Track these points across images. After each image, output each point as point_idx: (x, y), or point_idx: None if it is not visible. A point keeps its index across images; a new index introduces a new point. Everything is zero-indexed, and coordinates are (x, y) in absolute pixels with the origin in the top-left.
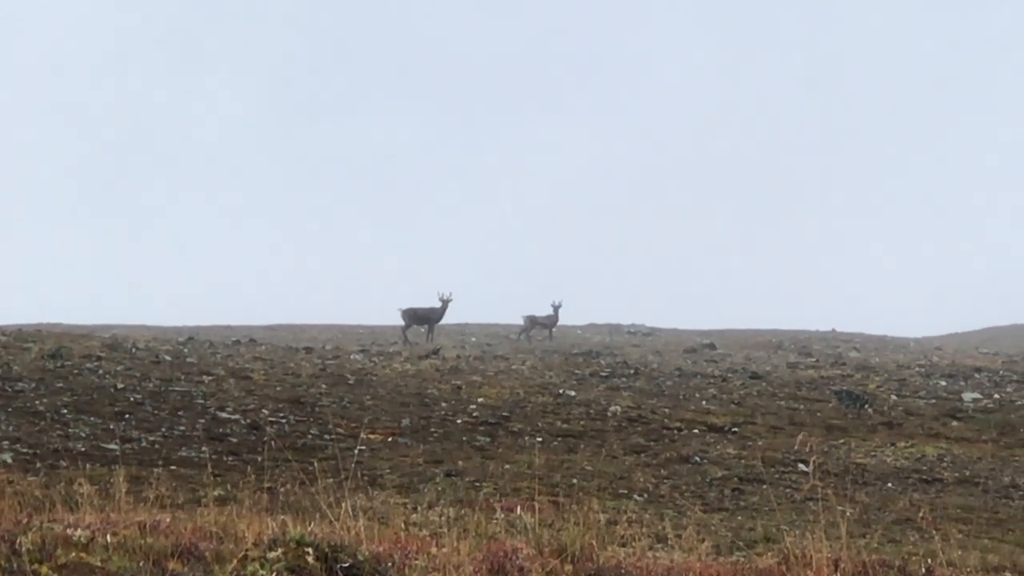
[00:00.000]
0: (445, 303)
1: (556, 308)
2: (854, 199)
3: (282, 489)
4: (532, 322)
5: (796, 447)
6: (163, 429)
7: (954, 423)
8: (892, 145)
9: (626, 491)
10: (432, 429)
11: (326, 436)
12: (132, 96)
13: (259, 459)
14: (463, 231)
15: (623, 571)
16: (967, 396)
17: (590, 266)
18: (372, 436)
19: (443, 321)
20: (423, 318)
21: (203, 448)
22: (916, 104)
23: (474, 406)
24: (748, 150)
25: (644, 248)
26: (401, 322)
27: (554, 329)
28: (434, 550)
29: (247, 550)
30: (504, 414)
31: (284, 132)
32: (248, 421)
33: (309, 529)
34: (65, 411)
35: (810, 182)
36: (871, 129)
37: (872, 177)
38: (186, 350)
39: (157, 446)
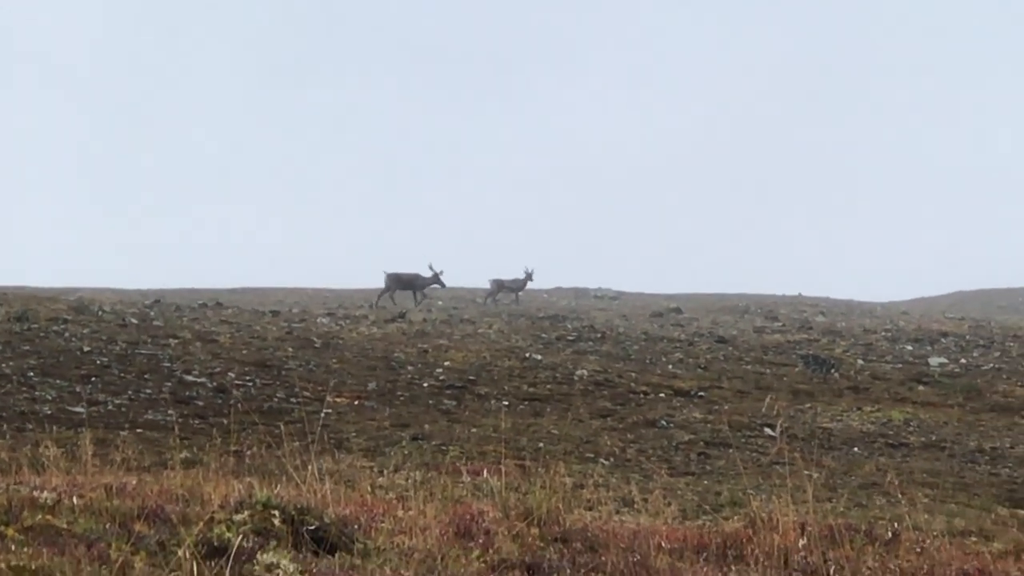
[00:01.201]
0: (435, 274)
1: (528, 274)
2: (821, 165)
3: (248, 452)
4: (499, 286)
5: (764, 410)
6: (129, 392)
7: (920, 388)
8: (862, 112)
9: (592, 455)
10: (398, 393)
11: (292, 399)
12: (107, 57)
13: (225, 422)
14: (432, 196)
15: (589, 534)
16: (933, 361)
17: (557, 229)
18: (338, 399)
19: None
20: (407, 283)
21: (169, 411)
22: (893, 74)
23: (440, 370)
24: (721, 118)
25: (611, 212)
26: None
27: (521, 293)
28: (400, 513)
29: (213, 512)
30: (470, 378)
31: (260, 95)
32: (214, 384)
33: (276, 492)
34: (31, 374)
35: (777, 148)
36: (842, 97)
37: (840, 143)
38: (152, 313)
39: (123, 409)
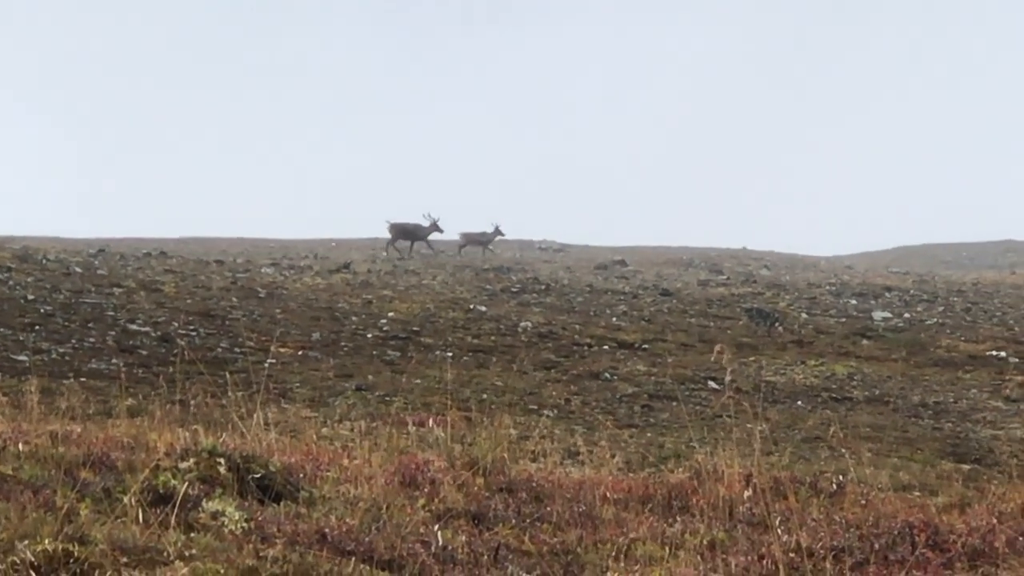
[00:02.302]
0: (433, 223)
1: (496, 228)
2: (768, 120)
3: (193, 401)
4: (467, 239)
5: (714, 359)
6: (73, 341)
7: (864, 342)
8: (808, 68)
9: (537, 406)
10: (342, 343)
11: (237, 349)
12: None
13: (170, 371)
14: (375, 146)
15: (535, 484)
16: (877, 315)
17: (502, 181)
18: (283, 349)
19: (356, 236)
20: (410, 233)
21: (114, 360)
22: (838, 35)
23: (384, 320)
24: (669, 74)
25: (557, 164)
26: (388, 235)
27: (490, 246)
28: (346, 462)
29: (159, 460)
30: (415, 329)
31: (206, 41)
32: (159, 333)
33: (221, 440)
34: None
35: (724, 104)
36: (790, 54)
37: (786, 99)
38: (97, 262)
39: (68, 358)
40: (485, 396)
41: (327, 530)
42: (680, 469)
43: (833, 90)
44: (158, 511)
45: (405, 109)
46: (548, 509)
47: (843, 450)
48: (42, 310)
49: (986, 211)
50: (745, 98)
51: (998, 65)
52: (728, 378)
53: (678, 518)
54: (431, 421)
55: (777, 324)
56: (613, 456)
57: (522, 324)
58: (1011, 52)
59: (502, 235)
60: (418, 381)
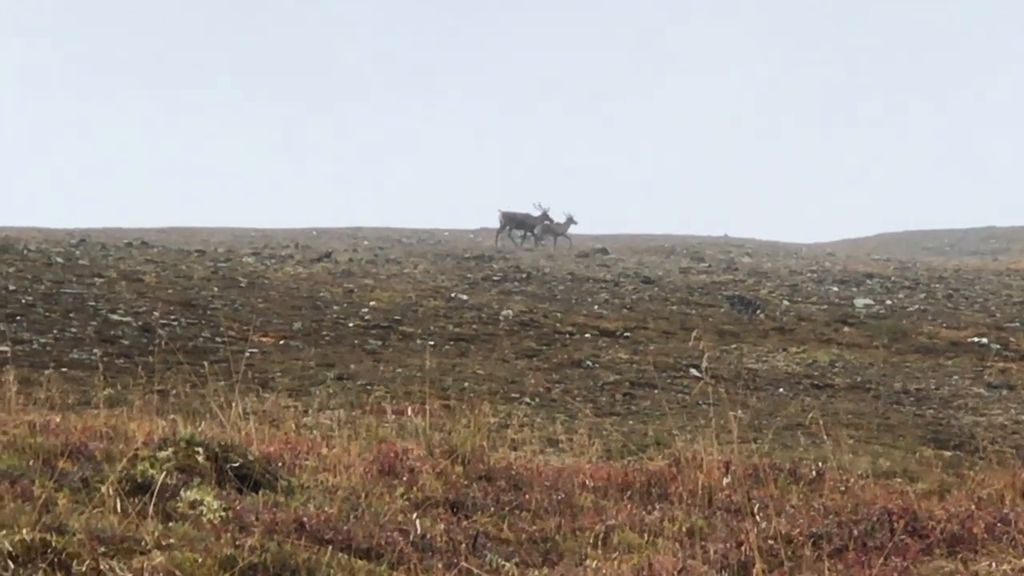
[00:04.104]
0: (543, 213)
1: (569, 217)
2: (747, 107)
3: (173, 391)
4: (546, 229)
5: (691, 344)
6: (54, 331)
7: (846, 329)
8: (787, 55)
9: (517, 395)
10: (324, 332)
11: (217, 339)
12: None
13: (150, 361)
14: (353, 138)
15: (514, 472)
16: (859, 302)
17: (481, 169)
18: (264, 339)
19: (338, 225)
20: (520, 222)
21: (94, 350)
22: (820, 20)
23: (366, 309)
24: (652, 59)
25: (537, 151)
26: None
27: (563, 236)
28: (325, 451)
29: (137, 449)
30: (396, 317)
31: (196, 34)
32: (140, 323)
33: (200, 430)
34: None
35: (703, 90)
36: (770, 38)
37: (766, 85)
38: (78, 252)
39: (48, 348)
40: (466, 385)
41: (305, 519)
42: (660, 457)
43: (814, 79)
44: (136, 501)
45: (384, 101)
46: (527, 497)
47: (824, 437)
48: (23, 300)
49: (968, 198)
50: (727, 87)
51: (980, 55)
52: (704, 364)
53: (657, 505)
54: (410, 410)
55: (758, 311)
56: (593, 444)
57: (503, 312)
58: (989, 41)
59: (575, 223)
60: (399, 370)
